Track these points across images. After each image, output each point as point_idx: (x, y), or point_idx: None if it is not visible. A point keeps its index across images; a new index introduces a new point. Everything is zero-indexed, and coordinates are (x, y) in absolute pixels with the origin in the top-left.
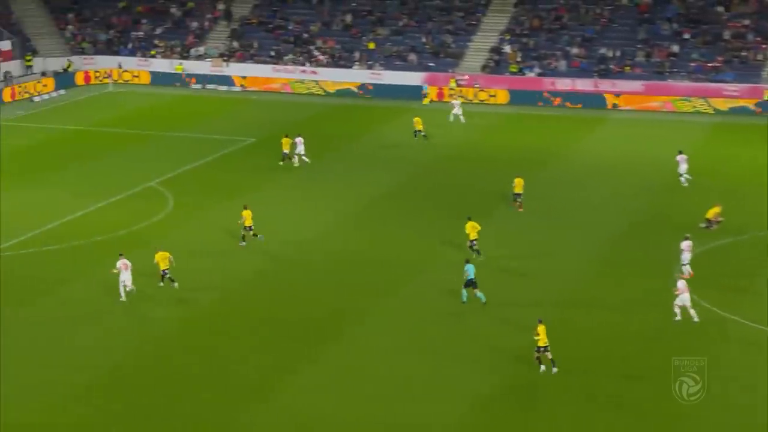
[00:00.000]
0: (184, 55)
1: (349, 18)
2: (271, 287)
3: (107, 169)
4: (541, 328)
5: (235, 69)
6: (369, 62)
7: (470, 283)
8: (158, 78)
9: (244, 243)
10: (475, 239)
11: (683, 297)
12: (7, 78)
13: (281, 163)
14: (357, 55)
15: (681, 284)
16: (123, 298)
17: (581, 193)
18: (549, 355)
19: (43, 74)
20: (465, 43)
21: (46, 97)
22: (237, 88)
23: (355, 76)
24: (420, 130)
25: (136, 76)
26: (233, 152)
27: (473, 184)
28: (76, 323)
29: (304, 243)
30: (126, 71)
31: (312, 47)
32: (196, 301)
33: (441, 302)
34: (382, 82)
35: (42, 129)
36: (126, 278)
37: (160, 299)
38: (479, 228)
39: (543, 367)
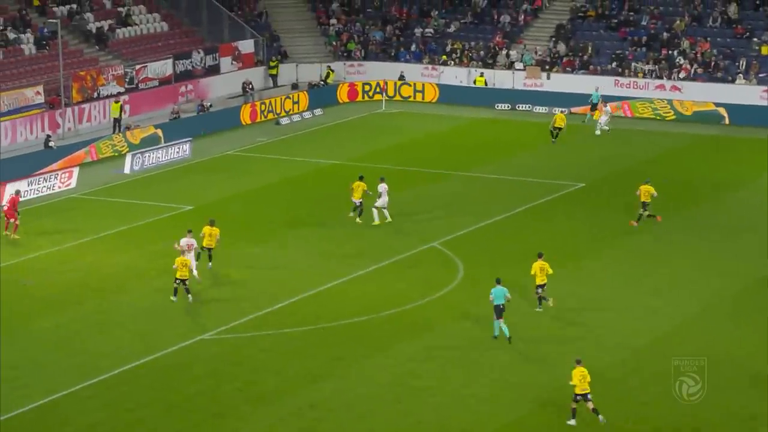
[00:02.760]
0: (488, 63)
1: (733, 9)
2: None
3: (371, 220)
4: (578, 371)
5: (558, 82)
6: (762, 74)
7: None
8: (450, 94)
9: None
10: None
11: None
12: (248, 92)
13: (351, 214)
14: (743, 63)
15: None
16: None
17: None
18: (590, 404)
19: (294, 87)
20: None
21: (296, 118)
22: (561, 110)
23: (735, 95)
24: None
25: (420, 91)
26: (551, 202)
27: None
28: None
29: (655, 345)
30: (406, 84)
31: (674, 51)
32: None
33: None
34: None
35: (288, 162)
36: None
37: None
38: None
39: (573, 421)
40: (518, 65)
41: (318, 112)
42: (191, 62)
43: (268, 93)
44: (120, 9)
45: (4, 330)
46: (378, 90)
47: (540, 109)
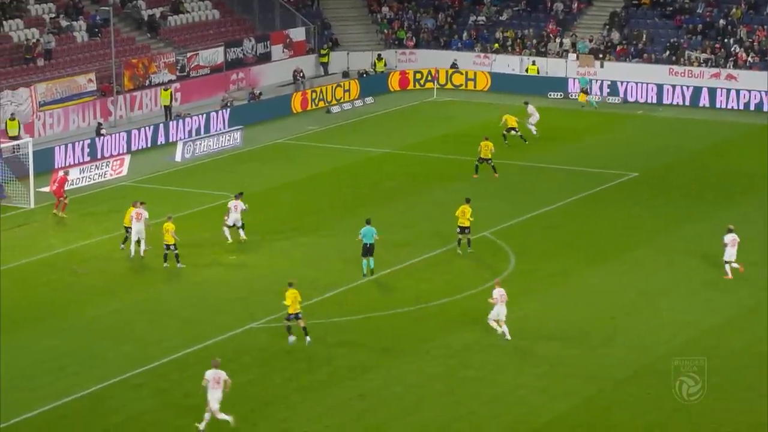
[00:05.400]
0: (541, 51)
1: None
2: None
3: (422, 209)
4: (291, 293)
5: (612, 70)
6: None
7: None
8: (502, 82)
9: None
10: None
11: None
12: (299, 80)
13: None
14: None
15: (498, 293)
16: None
17: None
18: (301, 323)
19: (345, 75)
20: None
21: (347, 106)
22: (614, 100)
23: None
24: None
25: (471, 80)
26: (602, 192)
27: None
28: None
29: (705, 338)
30: (457, 72)
31: (731, 40)
32: None
33: None
34: None
35: (338, 151)
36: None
37: None
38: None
39: (292, 338)
40: (571, 54)
41: (369, 100)
42: (242, 50)
43: (319, 81)
44: None
45: (58, 317)
46: (429, 78)
47: (592, 98)
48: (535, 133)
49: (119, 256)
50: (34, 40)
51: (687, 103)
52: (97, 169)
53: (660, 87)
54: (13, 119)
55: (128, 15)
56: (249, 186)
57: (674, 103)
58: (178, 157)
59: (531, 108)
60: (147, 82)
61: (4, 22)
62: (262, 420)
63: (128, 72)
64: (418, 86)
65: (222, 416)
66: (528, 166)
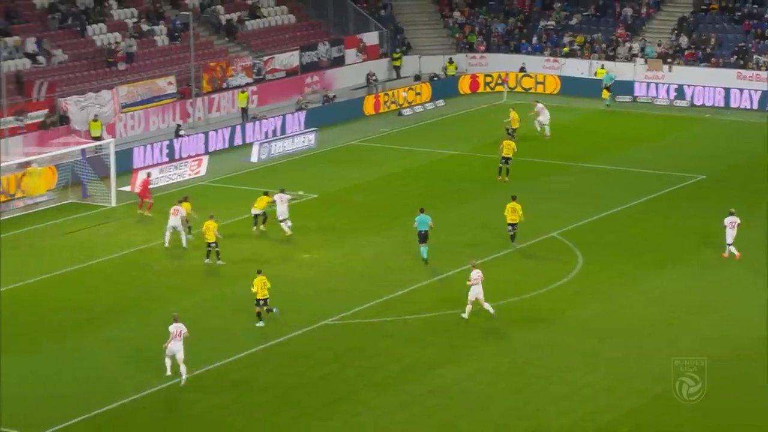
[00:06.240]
0: (609, 55)
1: None
2: None
3: (491, 210)
4: (259, 280)
5: (680, 75)
6: None
7: None
8: (571, 85)
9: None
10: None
11: (475, 289)
12: (371, 83)
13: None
14: None
15: (475, 274)
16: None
17: None
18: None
19: (417, 78)
20: None
21: (418, 109)
22: (682, 104)
23: None
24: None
25: (541, 83)
26: (669, 194)
27: None
28: None
29: None
30: (527, 76)
31: None
32: None
33: None
34: None
35: (409, 153)
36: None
37: None
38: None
39: (261, 323)
40: (639, 58)
41: (440, 103)
42: (317, 54)
43: (391, 84)
44: (249, 2)
45: (140, 313)
46: (499, 81)
47: (661, 101)
48: (540, 131)
49: (197, 254)
50: (117, 44)
51: (754, 107)
52: (176, 169)
53: (727, 91)
54: (96, 120)
55: (207, 20)
56: (322, 186)
57: (741, 107)
58: (254, 158)
59: (539, 106)
60: (224, 84)
61: (88, 27)
62: (334, 415)
63: (207, 75)
64: (488, 89)
65: (183, 369)
66: (595, 168)
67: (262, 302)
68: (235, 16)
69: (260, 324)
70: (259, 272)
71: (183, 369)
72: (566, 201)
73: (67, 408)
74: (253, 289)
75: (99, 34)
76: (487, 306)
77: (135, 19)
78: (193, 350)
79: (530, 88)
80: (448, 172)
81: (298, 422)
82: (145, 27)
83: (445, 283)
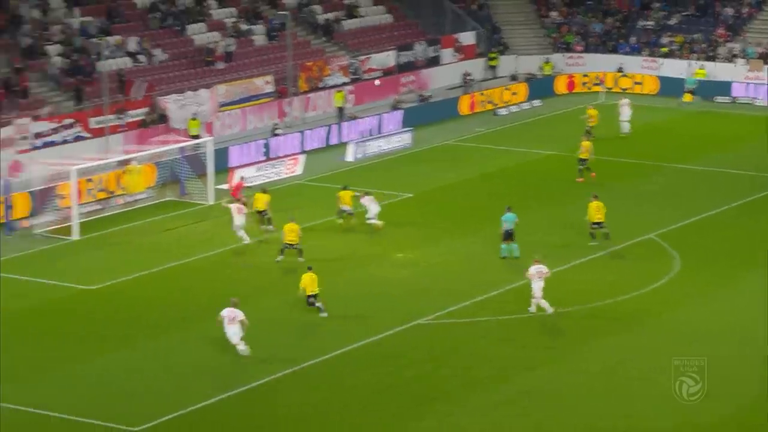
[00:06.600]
0: (709, 55)
1: None
2: None
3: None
4: (308, 276)
5: None
6: None
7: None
8: (670, 86)
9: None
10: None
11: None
12: (467, 82)
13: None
14: None
15: (535, 269)
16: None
17: None
18: (319, 303)
19: (513, 78)
20: None
21: (514, 109)
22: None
23: None
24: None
25: (639, 83)
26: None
27: None
28: None
29: None
30: (625, 76)
31: None
32: None
33: None
34: None
35: (505, 152)
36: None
37: None
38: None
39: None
40: (740, 58)
41: (536, 103)
42: (414, 54)
43: (487, 84)
44: (347, 1)
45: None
46: (597, 81)
47: (761, 102)
48: (623, 130)
49: (290, 252)
50: (215, 44)
51: None
52: (273, 167)
53: None
54: (195, 119)
55: (304, 19)
56: (417, 186)
57: None
58: (349, 157)
59: (624, 101)
60: (321, 84)
61: (188, 26)
62: (427, 414)
63: (304, 74)
64: (585, 89)
65: (242, 347)
66: (692, 170)
67: (311, 298)
68: (332, 15)
69: (324, 314)
70: (309, 269)
71: (241, 347)
72: (664, 203)
73: (163, 404)
74: (301, 285)
75: (198, 34)
76: (543, 303)
77: (234, 19)
78: (285, 348)
79: (627, 88)
80: (544, 172)
81: (391, 421)
82: (243, 26)
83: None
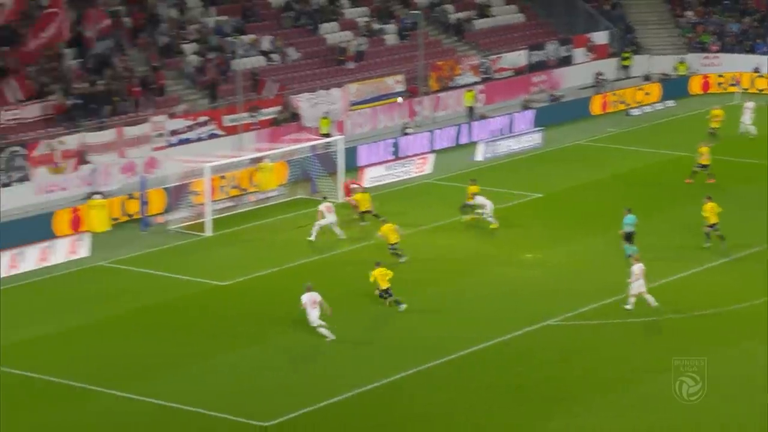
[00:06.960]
0: None
1: None
2: None
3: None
4: (379, 271)
5: None
6: None
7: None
8: None
9: None
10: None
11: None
12: (599, 82)
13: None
14: None
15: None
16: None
17: None
18: (392, 297)
19: (646, 78)
20: None
21: (647, 109)
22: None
23: None
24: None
25: None
26: None
27: None
28: None
29: None
30: (761, 76)
31: None
32: None
33: None
34: None
35: (637, 153)
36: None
37: None
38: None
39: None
40: None
41: (670, 103)
42: (545, 53)
43: (619, 84)
44: (479, 1)
45: (353, 308)
46: (732, 82)
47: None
48: (742, 131)
49: (422, 251)
50: (348, 43)
51: None
52: (403, 166)
53: None
54: (326, 118)
55: (436, 19)
56: (548, 186)
57: None
58: (479, 157)
59: (749, 104)
60: (451, 83)
61: (320, 26)
62: (556, 415)
63: (434, 73)
64: (720, 89)
65: (322, 331)
66: None
67: (384, 293)
68: (464, 15)
69: (403, 306)
70: (377, 264)
71: (323, 331)
72: None
73: (294, 399)
74: (371, 280)
75: (331, 33)
76: (649, 298)
77: (366, 18)
78: (414, 347)
79: (764, 89)
80: (676, 173)
81: (519, 421)
82: (375, 26)
83: (666, 287)
